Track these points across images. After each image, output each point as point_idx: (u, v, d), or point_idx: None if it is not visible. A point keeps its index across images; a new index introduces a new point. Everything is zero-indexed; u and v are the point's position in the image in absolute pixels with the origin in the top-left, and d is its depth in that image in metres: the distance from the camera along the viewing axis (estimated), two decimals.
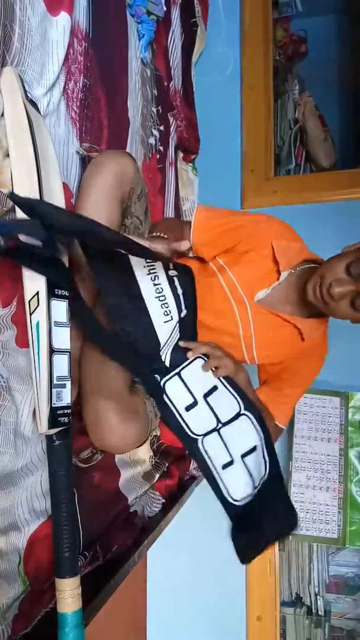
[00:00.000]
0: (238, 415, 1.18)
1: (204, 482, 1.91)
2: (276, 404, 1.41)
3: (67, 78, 1.15)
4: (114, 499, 1.28)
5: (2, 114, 0.87)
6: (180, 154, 2.07)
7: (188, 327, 1.20)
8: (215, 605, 2.15)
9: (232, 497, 1.18)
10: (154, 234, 1.26)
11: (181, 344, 1.18)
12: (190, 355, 1.16)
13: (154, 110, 1.74)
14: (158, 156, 1.76)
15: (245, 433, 1.18)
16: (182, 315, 1.17)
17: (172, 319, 1.15)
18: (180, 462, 1.73)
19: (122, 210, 1.19)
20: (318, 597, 2.18)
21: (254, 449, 1.17)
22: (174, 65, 1.98)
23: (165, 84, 1.85)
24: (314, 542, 2.06)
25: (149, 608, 2.23)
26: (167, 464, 1.62)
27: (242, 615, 2.08)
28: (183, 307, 1.17)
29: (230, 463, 1.17)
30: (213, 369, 1.16)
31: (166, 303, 1.14)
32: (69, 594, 0.85)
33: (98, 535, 1.15)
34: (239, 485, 1.17)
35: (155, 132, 1.74)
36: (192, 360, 1.18)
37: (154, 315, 1.12)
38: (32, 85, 1.00)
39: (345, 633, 2.20)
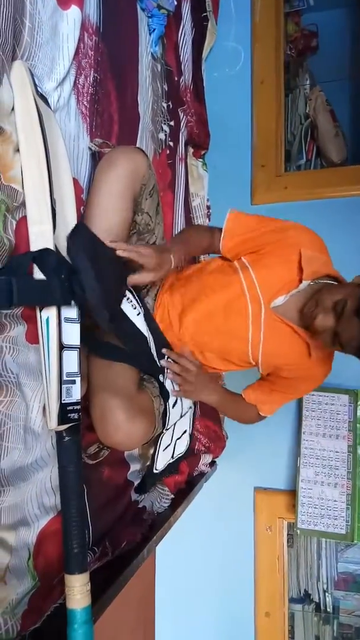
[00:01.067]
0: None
1: (213, 476, 1.92)
2: (263, 403, 1.44)
3: (78, 72, 1.14)
4: (123, 493, 1.28)
5: (13, 109, 0.87)
6: (191, 150, 2.06)
7: (150, 321, 1.30)
8: (223, 601, 2.15)
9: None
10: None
11: (164, 351, 1.31)
12: (163, 363, 1.32)
13: (164, 105, 1.73)
14: (168, 151, 1.76)
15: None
16: (142, 311, 1.25)
17: (139, 313, 1.23)
18: (190, 458, 1.73)
19: (134, 206, 1.19)
20: (327, 594, 2.18)
21: None
22: (185, 60, 1.97)
23: (176, 78, 1.84)
24: (322, 537, 2.06)
25: (158, 603, 2.23)
26: None
27: (251, 611, 2.09)
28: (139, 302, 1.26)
29: None
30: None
31: (128, 297, 1.20)
32: (78, 591, 0.85)
33: (107, 531, 1.15)
34: None
35: (166, 128, 1.73)
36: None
37: (127, 310, 1.19)
38: (43, 80, 1.00)
39: (354, 630, 2.20)
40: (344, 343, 1.15)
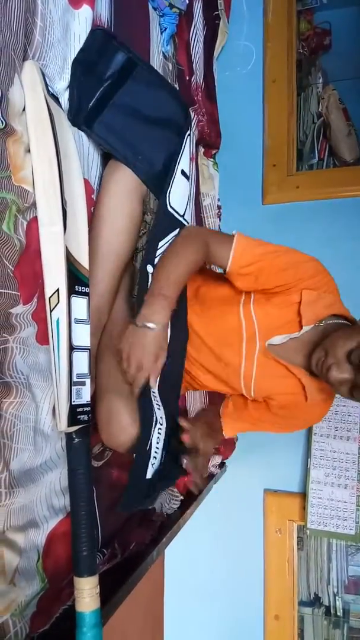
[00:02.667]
0: None
1: (223, 477, 1.91)
2: (236, 421, 1.40)
3: None
4: None
5: (24, 109, 0.87)
6: (202, 149, 2.06)
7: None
8: (232, 604, 2.14)
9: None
10: None
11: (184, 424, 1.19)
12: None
13: None
14: None
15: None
16: None
17: None
18: None
19: (142, 206, 1.18)
20: (337, 597, 2.16)
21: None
22: (196, 59, 1.96)
23: (187, 78, 1.83)
24: (331, 538, 2.05)
25: (167, 605, 2.23)
26: (185, 461, 1.61)
27: (260, 614, 2.07)
28: None
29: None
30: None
31: None
32: (87, 593, 0.85)
33: (116, 532, 1.15)
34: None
35: None
36: None
37: None
38: (54, 80, 0.99)
39: None
40: None
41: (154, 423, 1.10)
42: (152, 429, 1.10)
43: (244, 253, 1.18)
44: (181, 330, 1.22)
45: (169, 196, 1.16)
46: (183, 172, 1.22)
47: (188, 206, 1.28)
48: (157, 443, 1.10)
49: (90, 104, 1.06)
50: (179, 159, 1.19)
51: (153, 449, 1.09)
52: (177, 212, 1.19)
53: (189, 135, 1.26)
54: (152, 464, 1.09)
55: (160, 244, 1.15)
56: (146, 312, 1.05)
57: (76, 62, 1.03)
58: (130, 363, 1.05)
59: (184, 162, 1.22)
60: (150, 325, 1.03)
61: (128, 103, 1.11)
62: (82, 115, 1.05)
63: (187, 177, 1.24)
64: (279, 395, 1.27)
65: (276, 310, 1.21)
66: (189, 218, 1.29)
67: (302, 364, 1.23)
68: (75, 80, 1.03)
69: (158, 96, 1.18)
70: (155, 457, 1.09)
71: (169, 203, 1.16)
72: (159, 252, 1.14)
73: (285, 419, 1.33)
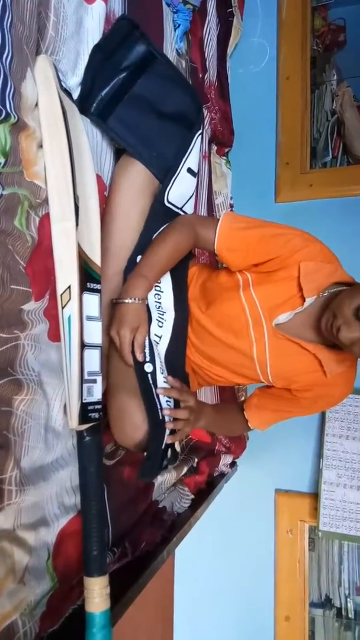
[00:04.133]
0: None
1: (234, 477, 1.90)
2: (262, 410, 1.37)
3: None
4: (143, 493, 1.27)
5: (36, 104, 0.86)
6: (214, 147, 2.04)
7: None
8: (243, 604, 2.13)
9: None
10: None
11: (169, 379, 1.18)
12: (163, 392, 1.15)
13: None
14: None
15: None
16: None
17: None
18: (210, 458, 1.72)
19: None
20: (348, 599, 2.14)
21: None
22: (209, 56, 1.94)
23: (200, 75, 1.82)
24: (344, 540, 2.03)
25: (177, 605, 2.22)
26: (196, 460, 1.61)
27: (270, 615, 2.06)
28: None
29: None
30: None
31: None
32: (97, 594, 0.84)
33: (127, 531, 1.14)
34: None
35: None
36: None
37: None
38: (67, 75, 0.99)
39: None
40: None
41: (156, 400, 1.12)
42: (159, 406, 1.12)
43: (229, 228, 1.20)
44: (182, 310, 1.27)
45: (168, 192, 1.18)
46: (189, 170, 1.23)
47: (189, 201, 1.29)
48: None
49: (105, 95, 1.08)
50: (185, 157, 1.21)
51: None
52: (174, 206, 1.22)
53: (201, 134, 1.27)
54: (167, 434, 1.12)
55: (155, 236, 1.19)
56: (124, 290, 1.10)
57: (96, 48, 1.05)
58: (116, 337, 1.08)
59: (191, 160, 1.23)
60: (127, 300, 1.08)
61: (144, 97, 1.13)
62: (93, 103, 1.07)
63: (193, 175, 1.25)
64: (298, 376, 1.24)
65: (276, 287, 1.19)
66: (190, 211, 1.30)
67: (315, 338, 1.21)
68: (91, 66, 1.04)
69: (173, 91, 1.20)
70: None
71: (167, 198, 1.19)
72: None
73: (312, 400, 1.30)
